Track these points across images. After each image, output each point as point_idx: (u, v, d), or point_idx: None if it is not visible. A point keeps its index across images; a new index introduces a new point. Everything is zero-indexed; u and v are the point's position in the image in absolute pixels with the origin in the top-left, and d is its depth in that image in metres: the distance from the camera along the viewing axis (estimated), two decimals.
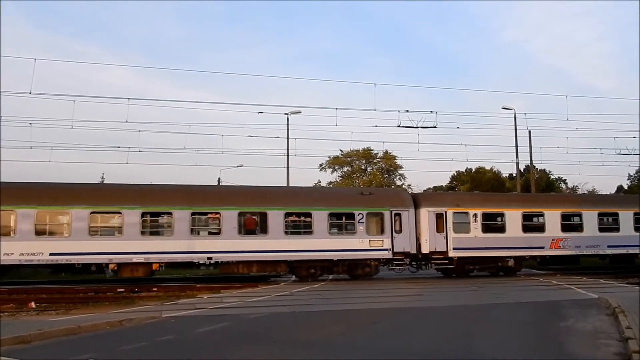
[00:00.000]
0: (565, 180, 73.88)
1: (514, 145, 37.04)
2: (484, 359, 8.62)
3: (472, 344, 9.86)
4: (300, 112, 35.96)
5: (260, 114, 33.69)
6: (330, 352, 9.07)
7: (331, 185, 69.06)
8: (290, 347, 9.46)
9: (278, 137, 35.60)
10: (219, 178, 46.35)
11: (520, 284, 22.04)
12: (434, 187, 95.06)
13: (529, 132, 37.92)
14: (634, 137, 56.48)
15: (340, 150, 74.51)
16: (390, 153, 71.38)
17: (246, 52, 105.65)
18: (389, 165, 76.96)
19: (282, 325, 12.26)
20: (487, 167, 68.05)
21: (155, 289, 20.52)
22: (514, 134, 36.86)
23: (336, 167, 78.28)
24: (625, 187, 62.65)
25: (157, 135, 76.35)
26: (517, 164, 38.33)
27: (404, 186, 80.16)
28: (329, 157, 74.56)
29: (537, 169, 62.69)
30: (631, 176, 64.20)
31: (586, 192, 66.01)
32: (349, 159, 77.12)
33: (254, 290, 20.57)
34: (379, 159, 77.04)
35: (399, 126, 32.01)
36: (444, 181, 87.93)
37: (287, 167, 36.90)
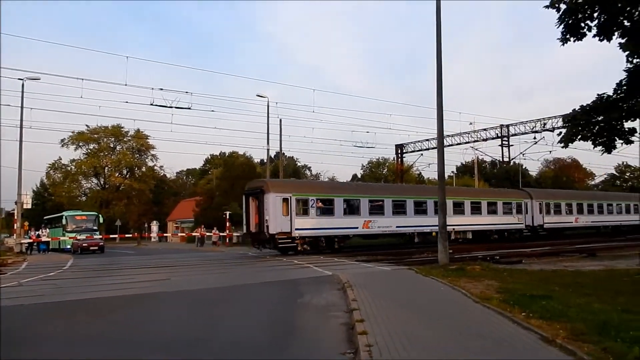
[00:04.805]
0: (310, 167, 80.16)
1: (266, 132, 38.81)
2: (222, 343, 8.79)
3: (216, 326, 10.02)
4: (39, 79, 32.34)
5: None
6: (65, 348, 8.33)
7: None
8: (16, 345, 8.40)
9: (9, 105, 31.57)
10: None
11: (265, 265, 23.20)
12: (187, 169, 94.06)
13: (280, 120, 40.17)
14: (367, 132, 63.11)
15: (87, 125, 69.10)
16: (142, 132, 68.69)
17: None
18: (141, 144, 74.03)
19: (8, 321, 10.75)
20: (240, 152, 69.96)
21: None
22: (266, 122, 38.56)
23: (81, 144, 72.36)
24: (359, 176, 70.55)
25: None
26: (268, 150, 40.34)
27: (155, 167, 77.86)
28: (73, 132, 68.57)
29: (286, 156, 66.80)
30: (364, 166, 72.69)
31: (327, 179, 72.60)
32: (96, 135, 71.96)
33: None
34: (129, 138, 73.51)
35: (152, 104, 31.02)
36: (198, 164, 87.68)
37: (20, 141, 32.96)
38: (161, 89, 30.83)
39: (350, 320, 9.46)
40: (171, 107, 31.10)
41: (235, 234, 45.32)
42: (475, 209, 37.73)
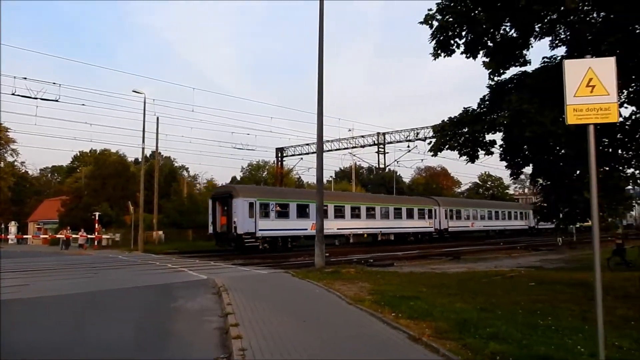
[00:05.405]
0: (188, 168, 78.20)
1: (142, 130, 37.19)
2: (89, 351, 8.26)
3: (80, 333, 9.36)
4: None
5: None
6: None
7: None
8: None
9: None
10: None
11: (137, 269, 22.17)
12: (53, 166, 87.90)
13: (157, 118, 38.75)
14: (248, 134, 62.92)
15: None
16: (1, 124, 63.06)
17: None
18: None
19: None
20: (113, 150, 66.61)
21: None
22: (142, 119, 36.96)
23: None
24: (238, 178, 69.86)
25: None
26: (143, 149, 38.59)
27: (16, 163, 71.81)
28: None
29: (162, 155, 64.57)
30: (244, 169, 72.05)
31: (206, 180, 71.29)
32: None
33: None
34: None
35: (13, 94, 28.53)
36: (65, 161, 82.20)
37: None
38: (25, 78, 28.43)
39: (224, 324, 9.31)
40: (36, 98, 28.75)
41: (105, 236, 42.94)
42: (397, 215, 42.74)
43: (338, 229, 36.93)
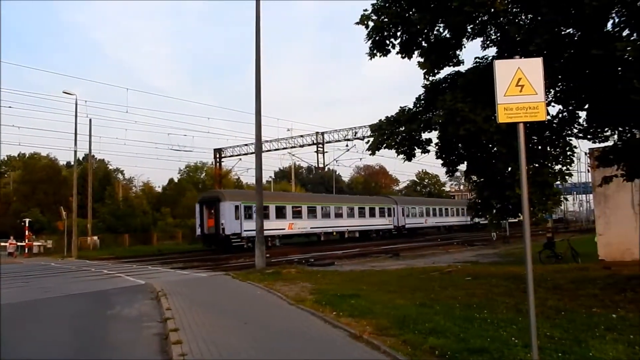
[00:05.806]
0: (123, 171, 75.96)
1: (74, 132, 35.72)
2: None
3: (13, 348, 8.86)
4: None
5: None
6: None
7: None
8: None
9: None
10: None
11: (72, 276, 21.31)
12: None
13: (90, 120, 37.41)
14: (185, 135, 61.88)
15: None
16: None
17: None
18: None
19: None
20: (44, 154, 63.81)
21: None
22: (74, 121, 35.53)
23: None
24: (176, 180, 68.38)
25: None
26: (76, 152, 37.10)
27: None
28: None
29: (96, 158, 62.42)
30: (181, 170, 70.56)
31: (142, 183, 69.57)
32: None
33: None
34: None
35: None
36: None
37: None
38: None
39: (164, 330, 9.11)
40: None
41: (36, 243, 41.07)
42: (361, 213, 46.10)
43: (312, 227, 40.56)
